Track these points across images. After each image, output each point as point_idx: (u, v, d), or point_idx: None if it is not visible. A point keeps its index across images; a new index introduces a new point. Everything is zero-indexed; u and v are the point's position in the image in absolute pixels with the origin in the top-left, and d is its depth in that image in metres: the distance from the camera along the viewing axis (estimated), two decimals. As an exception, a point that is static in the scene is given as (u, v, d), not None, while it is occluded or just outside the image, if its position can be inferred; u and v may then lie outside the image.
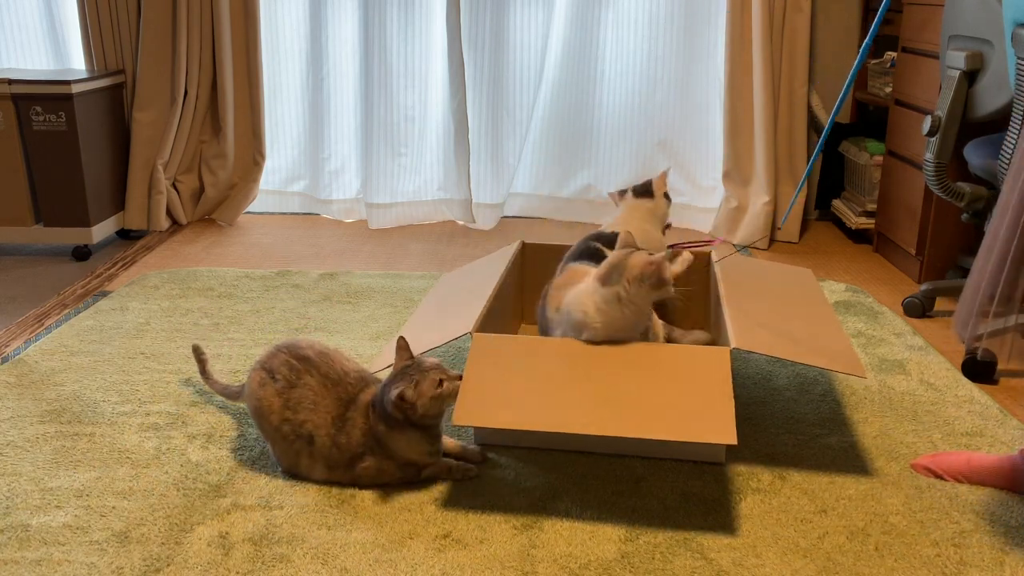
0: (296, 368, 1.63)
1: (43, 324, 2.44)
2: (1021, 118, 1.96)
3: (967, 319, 1.48)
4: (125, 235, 3.35)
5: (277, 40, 3.46)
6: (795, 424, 1.88)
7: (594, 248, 2.02)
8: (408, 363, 1.59)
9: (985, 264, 1.46)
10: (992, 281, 1.43)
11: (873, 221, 3.14)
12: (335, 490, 1.62)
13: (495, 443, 1.78)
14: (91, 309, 2.52)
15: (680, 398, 1.57)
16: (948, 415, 1.92)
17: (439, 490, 1.63)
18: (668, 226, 2.25)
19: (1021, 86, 1.94)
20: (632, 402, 1.57)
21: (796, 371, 2.14)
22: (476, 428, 1.79)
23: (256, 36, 3.33)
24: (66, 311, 2.54)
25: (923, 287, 2.53)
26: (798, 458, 1.74)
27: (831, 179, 3.45)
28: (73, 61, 3.46)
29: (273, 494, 1.61)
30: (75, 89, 2.94)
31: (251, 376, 1.68)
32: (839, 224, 3.50)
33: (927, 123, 2.29)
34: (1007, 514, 1.56)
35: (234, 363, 2.17)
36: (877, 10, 3.25)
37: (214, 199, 3.49)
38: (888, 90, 3.09)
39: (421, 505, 1.58)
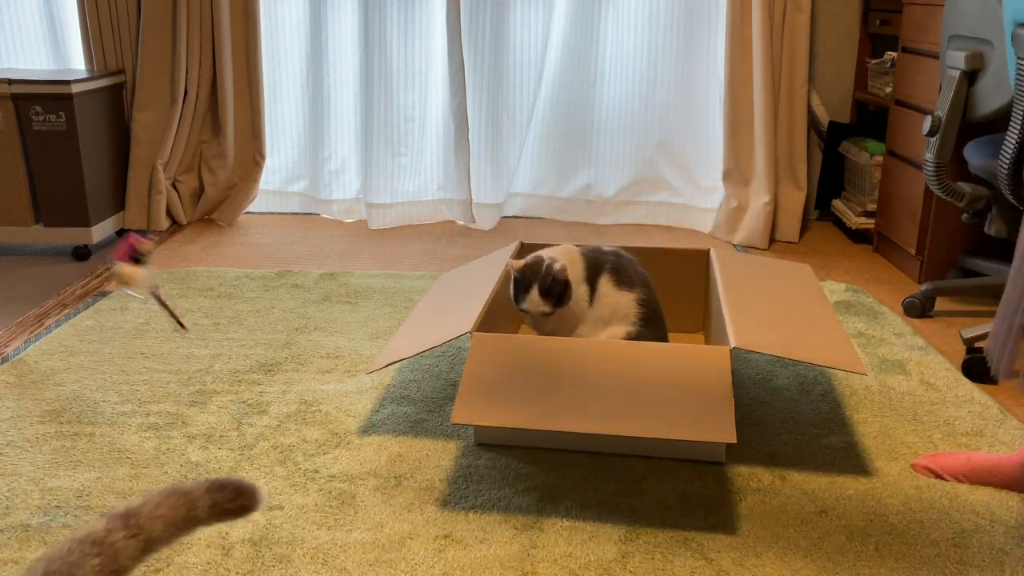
0: None
1: (43, 324, 2.44)
2: (1021, 118, 1.96)
3: (1000, 349, 1.42)
4: (125, 235, 3.35)
5: (277, 40, 3.46)
6: (795, 424, 1.88)
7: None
8: None
9: (1015, 288, 1.38)
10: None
11: (873, 221, 3.14)
12: (335, 490, 1.62)
13: (495, 443, 1.78)
14: (91, 309, 2.52)
15: (680, 397, 1.57)
16: (948, 415, 1.92)
17: (439, 490, 1.63)
18: None
19: (1021, 86, 1.94)
20: (632, 401, 1.57)
21: (796, 371, 2.14)
22: (476, 427, 1.79)
23: (256, 36, 3.33)
24: (66, 311, 2.54)
25: (923, 287, 2.53)
26: (798, 458, 1.74)
27: (831, 179, 3.45)
28: (73, 61, 3.46)
29: (273, 494, 1.61)
30: (75, 89, 2.94)
31: None
32: (839, 224, 3.50)
33: (927, 123, 2.29)
34: (1007, 514, 1.56)
35: (234, 363, 2.17)
36: (877, 10, 3.25)
37: (214, 199, 3.49)
38: (888, 90, 3.09)
39: (421, 505, 1.58)
